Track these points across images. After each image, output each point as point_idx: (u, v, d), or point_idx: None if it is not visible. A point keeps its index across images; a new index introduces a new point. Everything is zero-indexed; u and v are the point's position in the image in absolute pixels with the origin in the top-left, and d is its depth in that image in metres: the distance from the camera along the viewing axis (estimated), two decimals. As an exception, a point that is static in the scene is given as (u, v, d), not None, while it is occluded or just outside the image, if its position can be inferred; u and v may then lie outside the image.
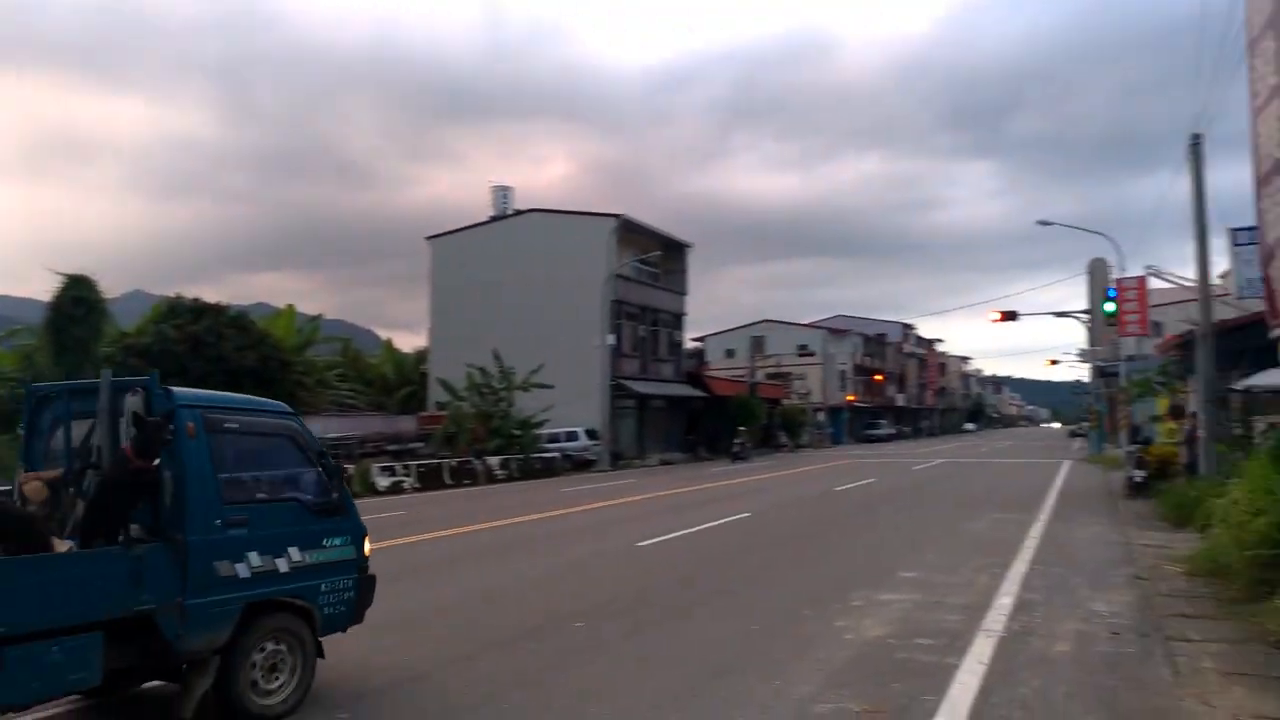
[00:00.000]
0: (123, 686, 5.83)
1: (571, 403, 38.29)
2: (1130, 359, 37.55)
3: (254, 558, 5.39)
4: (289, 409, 6.46)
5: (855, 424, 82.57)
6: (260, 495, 5.82)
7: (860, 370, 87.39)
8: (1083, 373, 64.49)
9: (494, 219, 48.05)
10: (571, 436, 39.15)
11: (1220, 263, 22.67)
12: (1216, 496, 12.15)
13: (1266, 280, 5.55)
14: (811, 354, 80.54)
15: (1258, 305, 16.65)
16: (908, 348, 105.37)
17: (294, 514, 5.91)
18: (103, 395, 5.43)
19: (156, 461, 5.07)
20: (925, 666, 7.07)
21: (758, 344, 70.96)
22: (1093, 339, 41.94)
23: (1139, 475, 21.53)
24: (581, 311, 41.42)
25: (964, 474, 32.46)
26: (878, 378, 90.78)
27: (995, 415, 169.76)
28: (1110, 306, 30.55)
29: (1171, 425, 23.90)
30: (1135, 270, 39.00)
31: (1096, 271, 34.82)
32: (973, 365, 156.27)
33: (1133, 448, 23.60)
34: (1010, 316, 39.60)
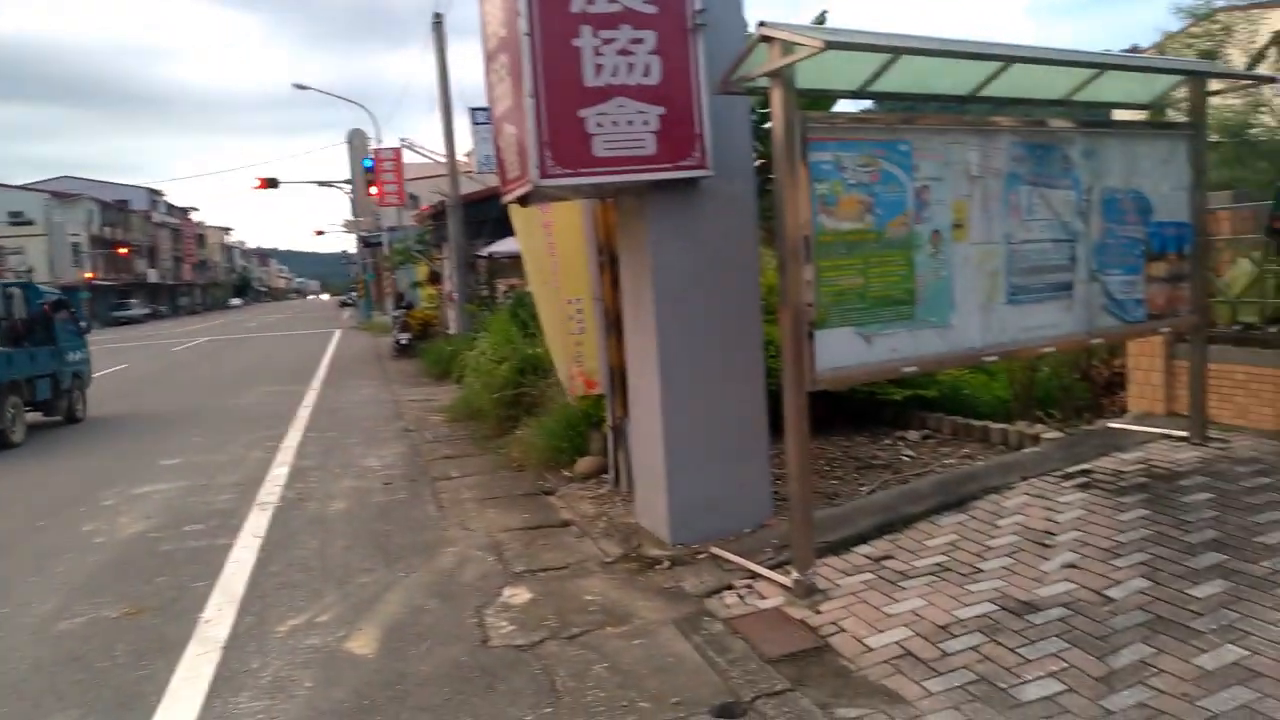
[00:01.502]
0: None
1: None
2: (392, 229, 40.07)
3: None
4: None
5: (100, 306, 73.04)
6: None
7: (99, 242, 77.26)
8: (349, 243, 66.78)
9: None
10: None
11: (466, 140, 25.21)
12: (469, 350, 13.84)
13: (497, 150, 6.14)
14: (30, 223, 68.44)
15: (496, 180, 18.98)
16: (158, 217, 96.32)
17: None
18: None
19: None
20: (195, 553, 6.71)
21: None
22: (356, 209, 43.69)
23: (404, 338, 23.47)
24: None
25: (232, 350, 31.51)
26: (123, 251, 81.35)
27: (264, 289, 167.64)
28: (368, 164, 31.97)
29: (431, 290, 26.33)
30: (392, 143, 41.08)
31: (356, 142, 35.99)
32: (236, 236, 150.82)
33: (398, 312, 25.49)
34: (272, 184, 38.68)
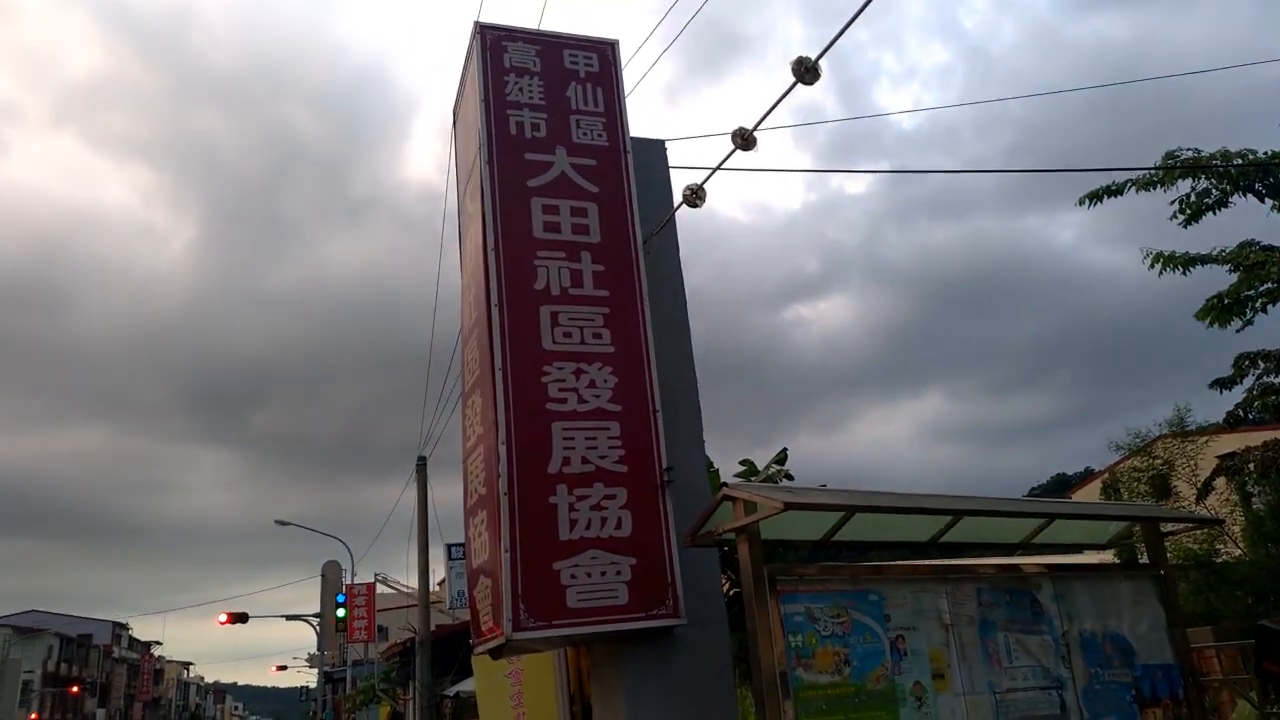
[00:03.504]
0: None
1: None
2: (357, 664, 38.35)
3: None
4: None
5: (37, 752, 67.23)
6: None
7: (53, 680, 73.01)
8: (311, 678, 63.50)
9: None
10: None
11: (440, 571, 25.20)
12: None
13: (471, 600, 6.11)
14: (-16, 663, 65.05)
15: (468, 615, 18.67)
16: (119, 651, 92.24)
17: None
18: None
19: None
20: None
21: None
22: (322, 643, 42.12)
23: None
24: None
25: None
26: (74, 690, 76.65)
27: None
28: (341, 612, 31.28)
29: (388, 733, 24.45)
30: (366, 574, 40.89)
31: (330, 574, 35.74)
32: (195, 671, 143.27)
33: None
34: (240, 618, 37.67)
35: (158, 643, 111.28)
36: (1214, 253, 11.62)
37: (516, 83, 6.59)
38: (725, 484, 4.77)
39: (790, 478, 11.25)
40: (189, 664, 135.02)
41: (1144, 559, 6.87)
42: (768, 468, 11.60)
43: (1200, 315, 11.66)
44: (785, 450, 11.72)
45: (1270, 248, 11.53)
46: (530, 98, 6.57)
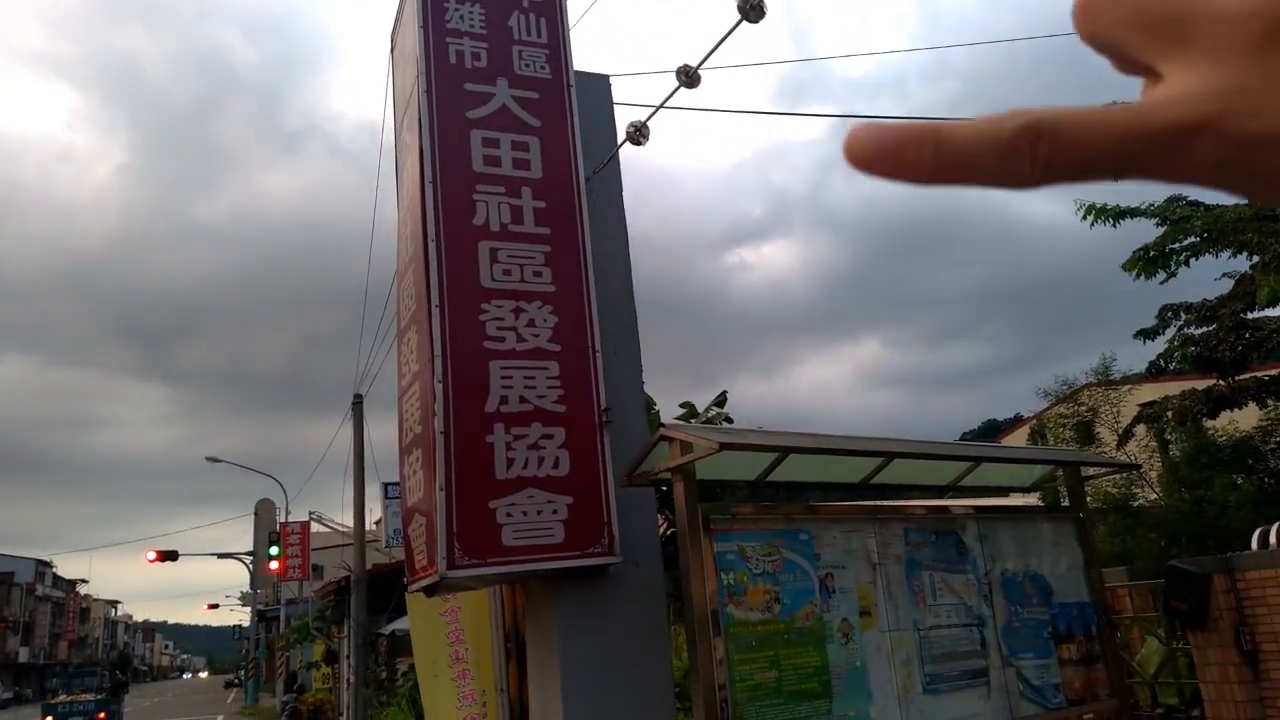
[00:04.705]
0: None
1: None
2: (291, 602, 38.10)
3: None
4: None
5: (-41, 689, 65.82)
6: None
7: (-24, 619, 71.42)
8: (244, 617, 63.06)
9: None
10: None
11: (377, 510, 25.03)
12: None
13: (406, 539, 6.07)
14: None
15: (403, 554, 18.62)
16: (43, 589, 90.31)
17: None
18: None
19: None
20: None
21: None
22: (255, 581, 41.77)
23: (293, 730, 21.37)
24: None
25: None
26: (-4, 628, 75.12)
27: (145, 668, 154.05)
28: (275, 549, 30.98)
29: (326, 670, 24.54)
30: (301, 513, 40.46)
31: (263, 513, 35.36)
32: (124, 610, 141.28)
33: (288, 697, 23.48)
34: (170, 556, 37.08)
35: (84, 581, 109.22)
36: (1143, 206, 11.90)
37: (457, 9, 6.35)
38: (663, 424, 4.78)
39: (730, 420, 11.36)
40: (116, 602, 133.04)
41: (1066, 502, 7.11)
42: (707, 410, 11.69)
43: (1127, 267, 11.97)
44: (725, 393, 11.81)
45: (1195, 203, 11.84)
46: (471, 26, 6.35)
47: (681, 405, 11.90)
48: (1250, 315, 12.42)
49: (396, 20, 7.23)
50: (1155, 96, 0.34)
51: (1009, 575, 6.09)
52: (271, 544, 31.15)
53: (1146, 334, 13.36)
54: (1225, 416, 13.08)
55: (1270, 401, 12.82)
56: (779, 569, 4.95)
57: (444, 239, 5.72)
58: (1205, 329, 12.85)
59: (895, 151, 0.34)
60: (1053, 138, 0.33)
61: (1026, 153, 0.33)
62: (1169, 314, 13.18)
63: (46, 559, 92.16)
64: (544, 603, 5.80)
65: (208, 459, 38.00)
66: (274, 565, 31.13)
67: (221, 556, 39.69)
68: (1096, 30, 0.36)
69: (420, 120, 6.00)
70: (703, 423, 10.97)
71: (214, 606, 67.93)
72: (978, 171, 0.34)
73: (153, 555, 36.46)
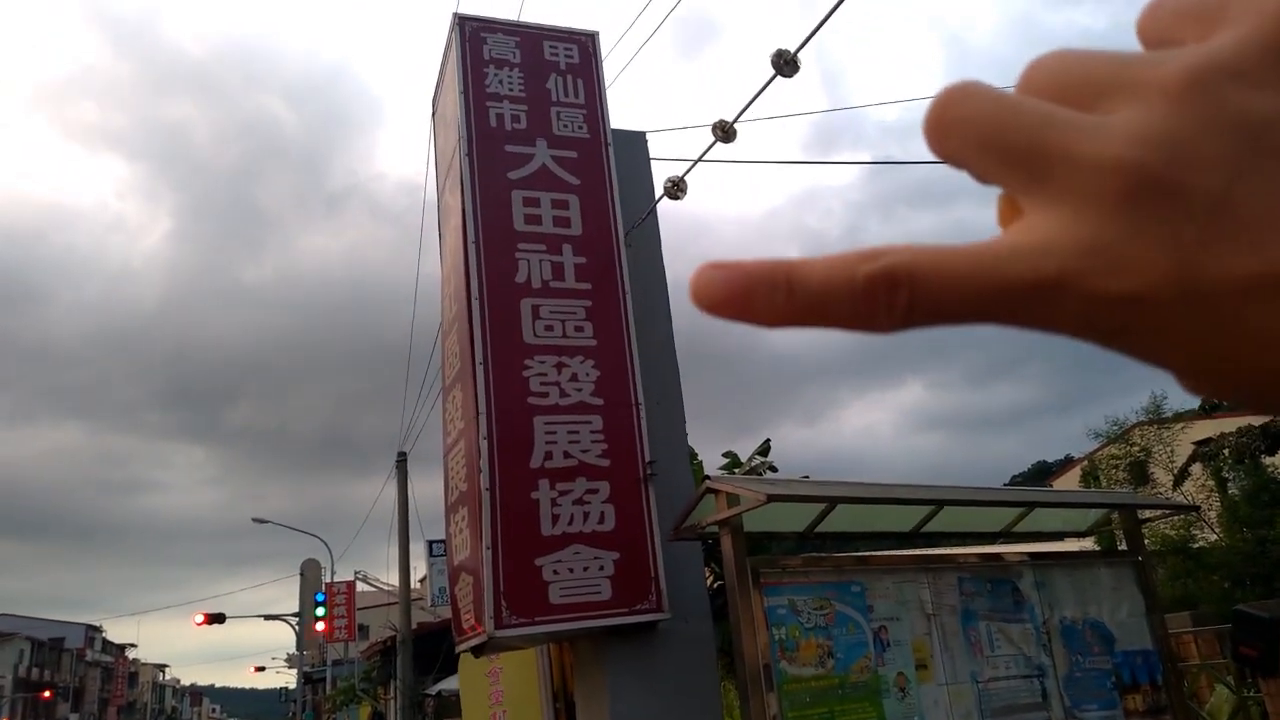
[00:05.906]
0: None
1: None
2: (337, 663, 38.00)
3: None
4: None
5: (11, 757, 66.32)
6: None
7: (25, 685, 72.04)
8: (291, 679, 63.01)
9: None
10: None
11: (421, 567, 25.05)
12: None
13: (452, 597, 6.07)
14: (-40, 670, 64.15)
15: (449, 612, 18.53)
16: (92, 654, 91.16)
17: None
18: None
19: None
20: None
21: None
22: (301, 643, 41.78)
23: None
24: None
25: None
26: (45, 695, 75.68)
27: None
28: (321, 611, 31.01)
29: (370, 734, 24.27)
30: (346, 572, 40.58)
31: (309, 573, 35.44)
32: (171, 674, 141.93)
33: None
34: (218, 619, 37.37)
35: (132, 645, 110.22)
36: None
37: (496, 74, 6.52)
38: (708, 477, 4.76)
39: (774, 469, 11.26)
40: (165, 666, 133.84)
41: (1122, 546, 6.93)
42: (751, 459, 11.61)
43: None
44: (768, 441, 11.73)
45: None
46: (510, 90, 6.51)
47: (724, 455, 11.83)
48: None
49: (438, 85, 7.44)
50: (1014, 242, 0.32)
51: (1068, 623, 5.92)
52: (317, 605, 31.22)
53: (1198, 371, 13.04)
54: (1285, 453, 12.70)
55: (1331, 437, 12.43)
56: (831, 622, 4.87)
57: (487, 297, 5.80)
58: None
59: (744, 296, 0.33)
60: (910, 287, 0.31)
61: (883, 301, 0.31)
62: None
63: (96, 623, 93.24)
64: (593, 660, 5.74)
65: (254, 520, 38.39)
66: (320, 626, 31.17)
67: (268, 618, 39.85)
68: (947, 152, 0.34)
69: (462, 182, 6.14)
70: (746, 472, 10.90)
71: (260, 669, 67.93)
72: (832, 318, 0.32)
73: (200, 618, 36.73)
